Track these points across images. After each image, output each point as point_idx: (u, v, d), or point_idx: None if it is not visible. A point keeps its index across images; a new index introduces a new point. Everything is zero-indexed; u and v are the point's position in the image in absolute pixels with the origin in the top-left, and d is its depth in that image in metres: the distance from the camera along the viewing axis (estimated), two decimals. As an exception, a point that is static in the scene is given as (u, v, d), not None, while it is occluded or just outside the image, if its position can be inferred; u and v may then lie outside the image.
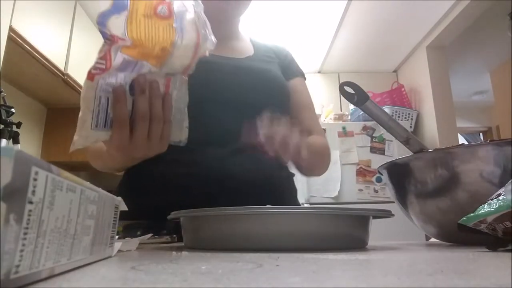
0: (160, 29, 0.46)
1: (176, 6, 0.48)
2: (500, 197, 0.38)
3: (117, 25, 0.44)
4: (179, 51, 0.48)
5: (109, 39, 0.43)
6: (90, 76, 0.44)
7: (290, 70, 0.91)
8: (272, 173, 0.79)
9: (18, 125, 1.98)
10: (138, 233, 0.53)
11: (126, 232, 0.55)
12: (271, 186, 0.76)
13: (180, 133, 0.56)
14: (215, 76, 0.76)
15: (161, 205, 0.64)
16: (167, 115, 0.51)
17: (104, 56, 0.44)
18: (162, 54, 0.47)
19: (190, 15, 0.49)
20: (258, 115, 0.75)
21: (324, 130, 3.13)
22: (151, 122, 0.50)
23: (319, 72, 3.69)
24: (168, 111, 0.51)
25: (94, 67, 0.44)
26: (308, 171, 0.82)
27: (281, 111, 0.82)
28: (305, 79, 0.94)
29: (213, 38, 0.51)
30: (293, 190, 0.86)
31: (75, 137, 0.46)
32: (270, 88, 0.80)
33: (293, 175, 0.87)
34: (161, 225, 0.59)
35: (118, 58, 0.44)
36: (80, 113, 0.45)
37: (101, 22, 0.43)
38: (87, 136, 0.46)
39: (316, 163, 0.82)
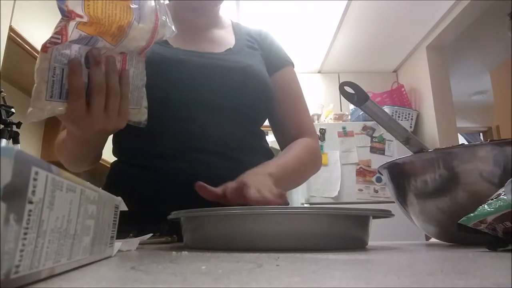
0: (117, 8, 0.47)
1: None
2: (500, 197, 0.38)
3: (75, 1, 0.44)
4: (134, 32, 0.49)
5: (66, 16, 0.44)
6: (44, 48, 0.44)
7: (277, 59, 0.85)
8: None
9: (18, 125, 1.98)
10: (131, 235, 0.53)
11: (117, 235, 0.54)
12: None
13: (139, 113, 0.57)
14: (188, 77, 0.72)
15: (147, 212, 0.64)
16: (124, 90, 0.52)
17: (60, 31, 0.44)
18: (118, 32, 0.48)
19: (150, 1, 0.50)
20: (237, 118, 0.74)
21: (324, 130, 3.12)
22: (108, 95, 0.50)
23: (319, 72, 3.69)
24: (126, 87, 0.52)
25: (49, 41, 0.44)
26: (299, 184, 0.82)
27: (262, 111, 0.81)
28: (293, 66, 0.88)
29: (173, 27, 0.53)
30: None
31: (30, 109, 0.46)
32: (249, 87, 0.76)
33: None
34: (154, 228, 0.59)
35: (74, 34, 0.45)
36: (35, 85, 0.45)
37: None
38: (42, 108, 0.46)
39: (304, 178, 0.82)
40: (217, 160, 0.71)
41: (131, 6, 0.48)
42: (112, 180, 0.77)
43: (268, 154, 0.84)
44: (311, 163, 0.81)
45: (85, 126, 0.52)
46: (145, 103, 0.57)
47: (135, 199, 0.69)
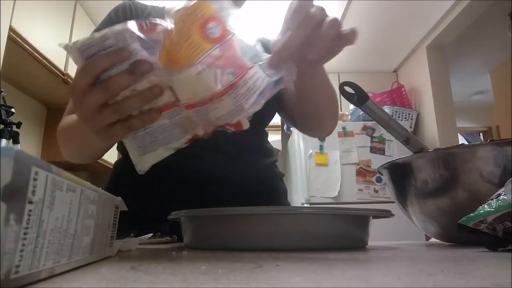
0: (197, 49, 0.40)
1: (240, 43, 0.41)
2: (500, 197, 0.38)
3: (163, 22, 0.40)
4: (197, 82, 0.40)
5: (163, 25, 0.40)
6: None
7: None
8: (261, 175, 0.79)
9: (18, 125, 1.98)
10: (131, 235, 0.53)
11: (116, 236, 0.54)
12: (261, 187, 0.76)
13: (140, 159, 0.45)
14: None
15: (152, 208, 0.64)
16: (137, 124, 0.41)
17: (150, 25, 0.39)
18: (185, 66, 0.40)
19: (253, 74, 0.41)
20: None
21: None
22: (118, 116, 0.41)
23: (319, 72, 3.69)
24: (143, 123, 0.42)
25: (141, 23, 0.39)
26: (319, 116, 0.72)
27: (269, 111, 0.79)
28: None
29: (246, 121, 0.44)
30: (284, 191, 0.85)
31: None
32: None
33: (282, 175, 0.87)
34: (154, 228, 0.59)
35: (156, 35, 0.39)
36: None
37: None
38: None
39: (330, 102, 0.69)
40: (222, 158, 0.71)
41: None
42: (116, 179, 0.77)
43: (270, 154, 0.84)
44: (336, 103, 0.72)
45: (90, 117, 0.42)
46: (153, 160, 0.46)
47: (139, 198, 0.69)
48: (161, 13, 0.77)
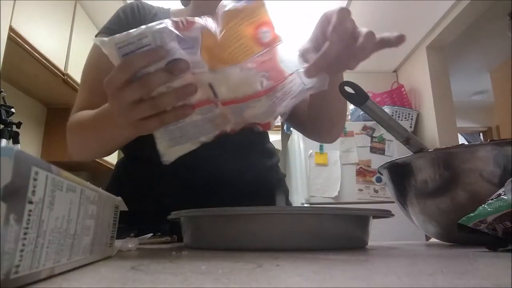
0: (247, 50, 0.41)
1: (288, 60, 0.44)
2: (500, 197, 0.38)
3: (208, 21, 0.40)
4: (240, 81, 0.42)
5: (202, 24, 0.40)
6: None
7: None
8: (264, 178, 0.79)
9: (18, 125, 1.98)
10: (132, 235, 0.53)
11: (117, 235, 0.54)
12: (263, 188, 0.76)
13: (168, 150, 0.47)
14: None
15: (152, 208, 0.64)
16: (171, 119, 0.43)
17: (187, 23, 0.40)
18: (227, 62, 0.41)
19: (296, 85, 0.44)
20: None
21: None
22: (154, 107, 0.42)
23: (319, 72, 3.69)
24: (176, 118, 0.43)
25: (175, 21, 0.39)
26: (330, 123, 0.75)
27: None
28: None
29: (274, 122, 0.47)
30: (286, 191, 0.86)
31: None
32: None
33: (284, 175, 0.87)
34: (154, 228, 0.59)
35: (192, 32, 0.40)
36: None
37: (224, 1, 0.41)
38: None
39: (342, 115, 0.74)
40: (224, 159, 0.71)
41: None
42: (119, 178, 0.78)
43: (273, 154, 0.85)
44: (345, 113, 0.77)
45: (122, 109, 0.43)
46: (184, 150, 0.47)
47: (140, 197, 0.70)
48: (167, 14, 0.78)
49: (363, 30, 0.46)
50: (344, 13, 0.45)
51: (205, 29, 0.41)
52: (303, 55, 0.47)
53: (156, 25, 0.38)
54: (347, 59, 0.47)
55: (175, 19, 0.39)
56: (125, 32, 0.38)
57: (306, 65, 0.45)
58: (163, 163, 0.46)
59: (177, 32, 0.39)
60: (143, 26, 0.38)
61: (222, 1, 0.43)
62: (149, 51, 0.38)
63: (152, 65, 0.39)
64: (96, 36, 0.74)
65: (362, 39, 0.45)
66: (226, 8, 0.42)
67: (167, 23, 0.38)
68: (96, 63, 0.71)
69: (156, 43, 0.38)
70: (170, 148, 0.46)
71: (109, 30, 0.73)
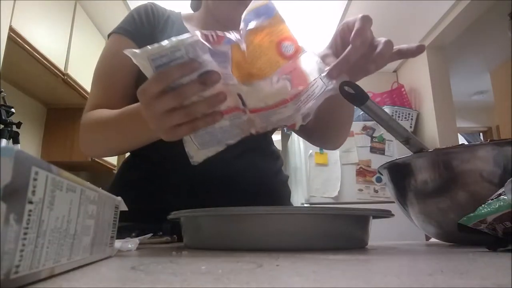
0: (273, 65, 0.44)
1: (309, 64, 0.46)
2: (500, 197, 0.38)
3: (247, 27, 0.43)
4: (270, 93, 0.45)
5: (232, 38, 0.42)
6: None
7: None
8: (269, 178, 0.79)
9: (18, 125, 1.98)
10: (133, 234, 0.53)
11: (119, 234, 0.54)
12: (266, 190, 0.76)
13: (197, 152, 0.49)
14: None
15: (156, 207, 0.64)
16: (202, 125, 0.45)
17: (217, 37, 0.41)
18: (259, 75, 0.44)
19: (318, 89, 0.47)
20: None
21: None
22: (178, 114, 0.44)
23: (319, 72, 3.69)
24: (207, 124, 0.45)
25: (205, 33, 0.41)
26: (337, 130, 0.78)
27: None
28: None
29: (300, 121, 0.49)
30: (288, 194, 0.86)
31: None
32: None
33: (287, 177, 0.87)
34: (157, 227, 0.59)
35: (221, 47, 0.42)
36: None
37: (246, 19, 0.43)
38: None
39: (349, 123, 0.77)
40: (227, 160, 0.71)
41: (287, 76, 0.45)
42: (123, 178, 0.78)
43: (277, 156, 0.85)
44: (352, 120, 0.80)
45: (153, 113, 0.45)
46: (209, 153, 0.50)
47: (146, 195, 0.70)
48: (178, 17, 0.80)
49: (382, 38, 0.50)
50: (366, 19, 0.48)
51: (235, 45, 0.43)
52: (323, 60, 0.50)
53: (188, 38, 0.39)
54: (367, 64, 0.51)
55: (205, 32, 0.41)
56: (157, 44, 0.39)
57: (327, 68, 0.48)
58: (192, 164, 0.49)
59: (209, 46, 0.41)
60: (174, 38, 0.39)
61: (243, 17, 0.45)
62: (183, 64, 0.40)
63: (185, 77, 0.41)
64: (109, 35, 0.75)
65: (381, 46, 0.49)
66: (250, 27, 0.45)
67: (199, 35, 0.40)
68: (110, 62, 0.72)
69: (188, 55, 0.40)
70: (199, 151, 0.49)
71: (123, 30, 0.73)
